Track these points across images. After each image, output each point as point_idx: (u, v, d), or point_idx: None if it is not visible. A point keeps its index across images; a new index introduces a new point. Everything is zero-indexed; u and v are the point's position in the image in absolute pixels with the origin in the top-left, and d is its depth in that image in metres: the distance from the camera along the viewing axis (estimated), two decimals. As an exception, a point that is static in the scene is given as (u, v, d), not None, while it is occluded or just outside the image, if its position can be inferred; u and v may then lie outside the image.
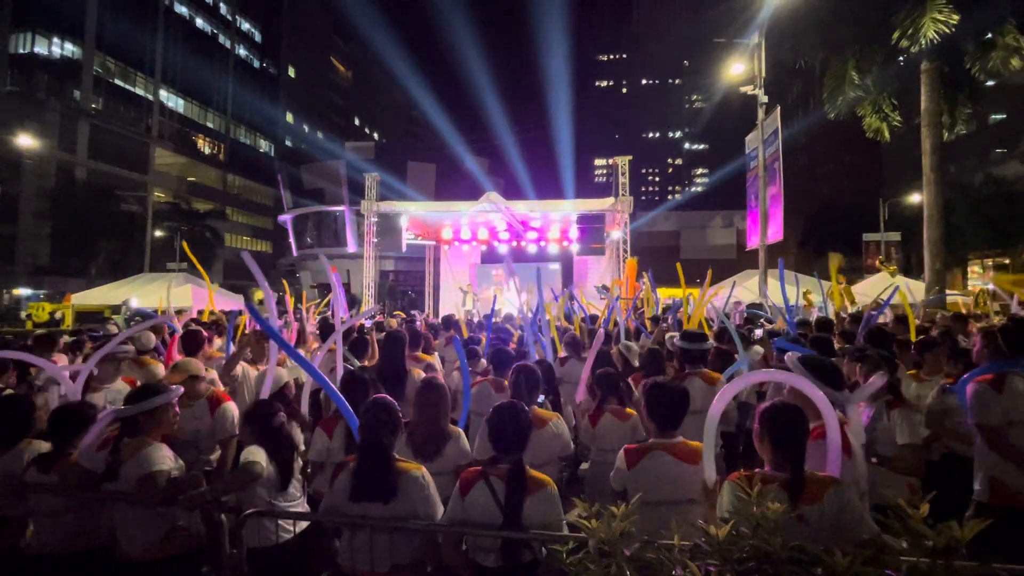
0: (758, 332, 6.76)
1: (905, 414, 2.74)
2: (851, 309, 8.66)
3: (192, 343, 4.33)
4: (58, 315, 15.64)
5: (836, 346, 4.33)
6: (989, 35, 9.97)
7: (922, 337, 4.20)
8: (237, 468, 2.40)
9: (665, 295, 11.40)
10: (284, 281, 7.04)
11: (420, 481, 2.14)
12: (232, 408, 3.36)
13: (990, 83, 11.82)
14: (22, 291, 29.67)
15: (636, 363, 4.20)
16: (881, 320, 6.21)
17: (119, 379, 3.86)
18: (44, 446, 2.62)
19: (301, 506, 2.61)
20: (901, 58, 10.92)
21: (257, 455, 2.37)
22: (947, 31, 9.25)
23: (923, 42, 9.43)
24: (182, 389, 2.75)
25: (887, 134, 11.66)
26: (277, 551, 2.44)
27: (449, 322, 7.45)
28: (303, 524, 2.53)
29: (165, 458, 2.38)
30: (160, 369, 4.72)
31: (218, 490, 2.35)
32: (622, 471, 2.34)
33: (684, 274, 8.05)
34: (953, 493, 2.80)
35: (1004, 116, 30.91)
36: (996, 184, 25.34)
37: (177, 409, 2.68)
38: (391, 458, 2.16)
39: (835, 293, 8.43)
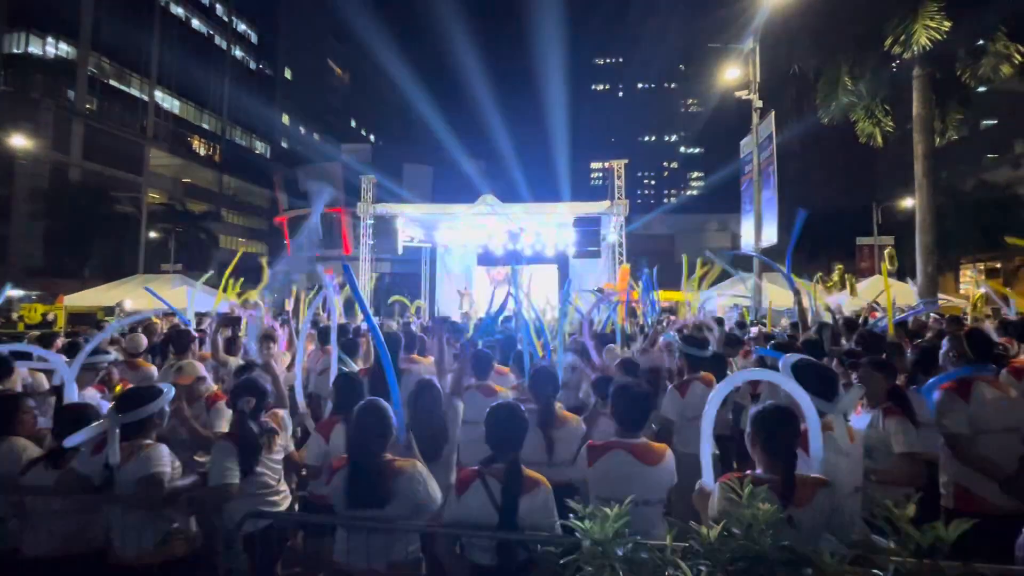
0: (753, 331, 6.82)
1: (901, 422, 2.67)
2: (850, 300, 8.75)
3: (181, 343, 4.33)
4: (50, 316, 15.51)
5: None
6: (980, 42, 10.10)
7: (918, 341, 4.22)
8: (212, 485, 2.43)
9: (663, 298, 11.42)
10: (295, 287, 7.05)
11: (416, 477, 2.15)
12: (226, 406, 3.33)
13: (981, 89, 11.96)
14: (14, 292, 29.41)
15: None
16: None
17: (90, 387, 3.74)
18: (23, 444, 2.59)
19: (283, 495, 2.67)
20: (894, 64, 11.05)
21: (230, 473, 2.39)
22: (939, 38, 9.37)
23: (915, 49, 9.55)
24: (173, 390, 2.74)
25: (880, 139, 11.77)
26: (270, 531, 2.52)
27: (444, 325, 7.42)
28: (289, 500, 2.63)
29: (166, 459, 2.37)
30: (153, 371, 4.71)
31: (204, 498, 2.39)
32: (582, 466, 2.37)
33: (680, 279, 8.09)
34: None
35: (995, 122, 31.26)
36: (987, 189, 25.64)
37: (167, 407, 2.68)
38: (382, 464, 2.16)
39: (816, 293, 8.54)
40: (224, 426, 3.24)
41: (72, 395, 3.09)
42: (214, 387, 3.59)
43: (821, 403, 2.21)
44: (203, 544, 2.50)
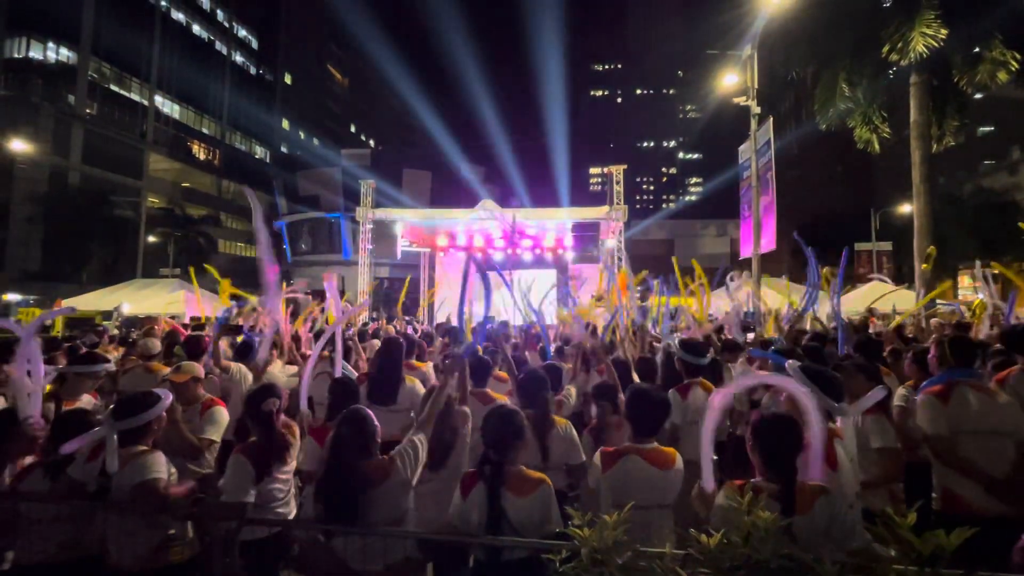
0: (750, 336, 6.81)
1: (878, 419, 2.75)
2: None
3: (195, 348, 4.31)
4: (48, 321, 15.47)
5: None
6: (977, 49, 10.14)
7: (918, 345, 4.22)
8: (228, 502, 2.42)
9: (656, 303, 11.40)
10: (283, 284, 6.81)
11: (393, 489, 2.17)
12: (223, 412, 3.30)
13: (978, 96, 12.01)
14: (11, 296, 29.32)
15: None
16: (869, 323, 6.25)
17: (84, 394, 3.64)
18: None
19: (287, 504, 2.64)
20: (891, 71, 11.10)
21: (246, 490, 2.39)
22: (936, 45, 9.42)
23: (912, 56, 9.60)
24: (171, 396, 2.72)
25: (877, 145, 11.80)
26: (269, 542, 2.49)
27: (445, 330, 7.43)
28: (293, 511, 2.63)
29: (162, 465, 2.36)
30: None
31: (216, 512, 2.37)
32: (596, 471, 2.38)
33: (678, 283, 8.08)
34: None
35: (992, 128, 31.46)
36: (984, 195, 25.77)
37: (164, 414, 2.66)
38: (357, 475, 2.14)
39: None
40: (214, 434, 3.19)
41: (25, 407, 2.73)
42: (209, 395, 3.56)
43: (832, 405, 2.25)
44: (200, 551, 2.49)
